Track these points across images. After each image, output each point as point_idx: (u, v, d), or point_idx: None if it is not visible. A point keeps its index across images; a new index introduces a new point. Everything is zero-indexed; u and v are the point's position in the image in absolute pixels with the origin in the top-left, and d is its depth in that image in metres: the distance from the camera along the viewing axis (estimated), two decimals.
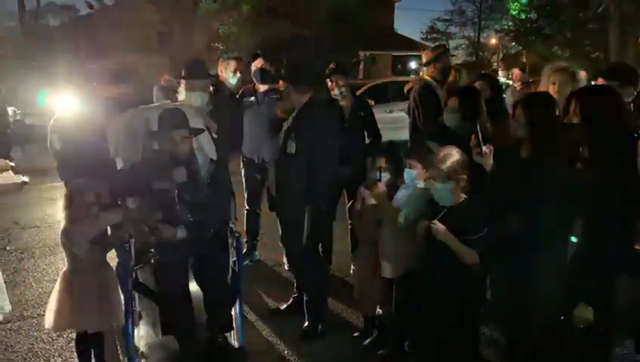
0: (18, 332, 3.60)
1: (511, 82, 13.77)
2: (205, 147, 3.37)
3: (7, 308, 3.70)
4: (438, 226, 2.73)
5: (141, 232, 2.96)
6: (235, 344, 3.07)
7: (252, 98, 4.74)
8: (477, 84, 4.71)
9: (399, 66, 28.23)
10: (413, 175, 3.11)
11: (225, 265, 3.10)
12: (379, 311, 3.47)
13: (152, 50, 17.03)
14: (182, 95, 3.72)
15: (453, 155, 2.80)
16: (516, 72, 7.73)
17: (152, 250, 2.98)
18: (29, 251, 5.30)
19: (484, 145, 2.92)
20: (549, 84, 3.80)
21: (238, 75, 4.68)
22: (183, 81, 3.84)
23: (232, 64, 4.62)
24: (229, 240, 3.14)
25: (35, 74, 13.92)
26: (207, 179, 3.22)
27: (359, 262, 3.64)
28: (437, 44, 6.79)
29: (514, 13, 29.06)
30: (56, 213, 3.38)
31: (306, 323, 3.59)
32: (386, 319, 3.41)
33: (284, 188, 3.47)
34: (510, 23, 31.23)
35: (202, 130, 3.27)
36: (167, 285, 2.95)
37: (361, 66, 24.36)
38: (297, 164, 3.34)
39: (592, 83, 4.43)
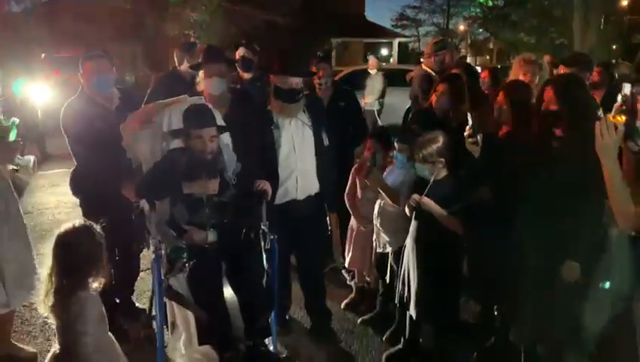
0: (31, 308, 3.71)
1: (479, 68, 14.28)
2: (230, 145, 3.23)
3: None
4: (424, 198, 3.04)
5: (169, 236, 2.87)
6: (272, 349, 2.98)
7: (238, 86, 4.88)
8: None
9: (369, 53, 28.51)
10: (401, 157, 3.38)
11: (260, 269, 2.97)
12: (367, 279, 3.92)
13: (125, 39, 16.79)
14: (201, 84, 3.55)
15: (436, 140, 3.08)
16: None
17: (184, 257, 2.78)
18: None
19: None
20: (519, 74, 4.11)
21: None
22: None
23: None
24: (262, 243, 3.02)
25: (7, 62, 13.62)
26: (233, 179, 3.04)
27: (356, 239, 3.88)
28: (439, 38, 6.96)
29: (481, 0, 29.58)
30: (49, 200, 3.50)
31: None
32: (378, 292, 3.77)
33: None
34: (478, 10, 31.76)
35: (226, 127, 3.11)
36: (202, 292, 2.76)
37: (334, 53, 24.50)
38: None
39: (554, 70, 4.74)
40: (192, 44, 5.11)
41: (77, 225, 2.28)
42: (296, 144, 3.32)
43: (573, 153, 2.69)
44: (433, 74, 5.43)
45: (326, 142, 3.42)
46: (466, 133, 3.99)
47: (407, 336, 3.35)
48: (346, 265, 4.01)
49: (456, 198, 3.03)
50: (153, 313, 3.29)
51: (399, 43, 29.66)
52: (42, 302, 2.23)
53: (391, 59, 28.79)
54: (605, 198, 2.56)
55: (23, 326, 3.61)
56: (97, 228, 2.33)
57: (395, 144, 3.49)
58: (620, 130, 2.11)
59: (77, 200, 3.60)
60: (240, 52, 4.83)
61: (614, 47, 27.03)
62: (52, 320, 2.25)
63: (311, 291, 3.67)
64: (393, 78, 10.25)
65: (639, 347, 2.25)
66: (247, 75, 4.81)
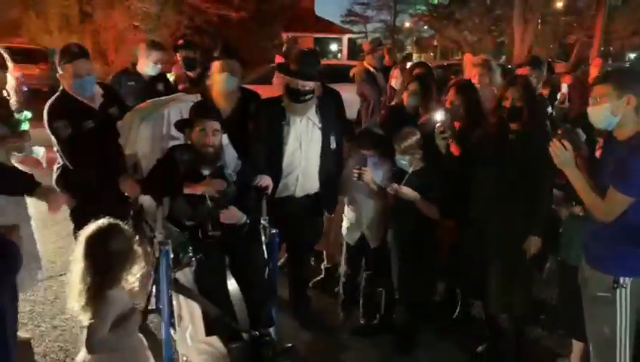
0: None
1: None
2: (230, 144, 3.25)
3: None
4: (403, 188, 3.34)
5: (173, 232, 2.94)
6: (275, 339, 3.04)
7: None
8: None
9: (317, 48, 28.82)
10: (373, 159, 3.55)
11: (261, 263, 3.06)
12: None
13: (71, 30, 16.30)
14: (215, 78, 3.44)
15: (413, 134, 3.38)
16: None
17: (190, 252, 2.86)
18: None
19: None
20: (472, 74, 4.48)
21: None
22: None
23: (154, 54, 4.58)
24: (262, 238, 3.12)
25: None
26: (234, 176, 3.08)
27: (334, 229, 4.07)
28: (375, 37, 7.53)
29: None
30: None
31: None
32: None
33: None
34: (424, 8, 32.67)
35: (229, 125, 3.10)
36: (208, 285, 2.84)
37: (284, 48, 24.61)
38: None
39: (517, 71, 5.15)
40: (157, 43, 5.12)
41: (104, 223, 2.30)
42: (303, 142, 3.45)
43: (527, 143, 3.06)
44: (372, 69, 6.24)
45: (333, 145, 3.55)
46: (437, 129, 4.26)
47: (382, 313, 3.67)
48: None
49: (432, 187, 3.35)
50: (151, 306, 3.42)
51: (349, 39, 30.08)
52: (75, 300, 2.24)
53: (339, 55, 29.21)
54: (553, 181, 2.98)
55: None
56: (125, 225, 2.36)
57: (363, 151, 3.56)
58: (569, 145, 2.42)
59: None
60: (181, 54, 4.98)
61: (551, 46, 28.52)
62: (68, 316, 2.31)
63: (296, 284, 3.84)
64: (342, 74, 10.53)
65: (585, 311, 2.61)
66: (192, 73, 4.97)
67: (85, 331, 2.23)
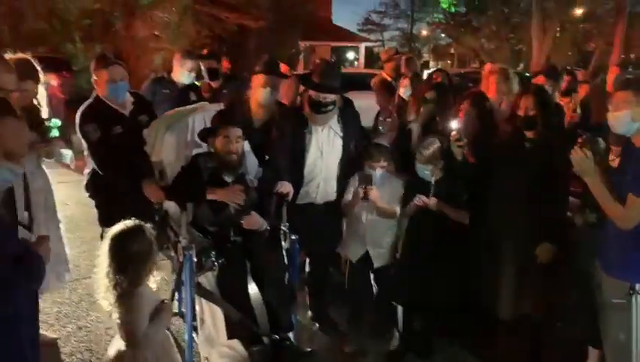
0: (43, 298, 3.67)
1: None
2: (251, 152, 3.33)
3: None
4: (431, 200, 3.32)
5: (197, 237, 3.04)
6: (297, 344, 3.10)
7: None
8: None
9: (334, 56, 28.99)
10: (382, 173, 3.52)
11: (282, 268, 3.13)
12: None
13: (94, 39, 16.62)
14: (255, 91, 3.59)
15: (435, 143, 3.38)
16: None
17: (213, 256, 2.94)
18: None
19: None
20: (489, 83, 4.52)
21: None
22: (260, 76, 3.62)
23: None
24: (282, 244, 3.20)
25: None
26: (255, 182, 3.18)
27: None
28: (390, 47, 7.62)
29: (444, 6, 30.34)
30: (84, 193, 3.73)
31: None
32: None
33: None
34: (441, 16, 32.58)
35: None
36: (229, 289, 2.92)
37: (301, 57, 24.78)
38: None
39: (532, 80, 5.19)
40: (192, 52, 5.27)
41: (129, 225, 2.41)
42: (324, 151, 3.54)
43: (543, 152, 3.11)
44: (389, 79, 6.19)
45: (354, 153, 3.61)
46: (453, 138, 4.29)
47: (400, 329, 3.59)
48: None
49: (458, 192, 3.37)
50: (175, 310, 3.45)
51: (366, 47, 30.20)
52: (103, 298, 2.36)
53: (356, 63, 29.32)
54: (568, 189, 3.02)
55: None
56: (148, 226, 2.46)
57: (373, 163, 3.49)
58: (589, 153, 2.46)
59: None
60: (205, 64, 5.09)
61: (569, 53, 28.28)
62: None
63: (315, 290, 3.91)
64: (359, 82, 10.63)
65: (600, 318, 2.64)
66: (214, 84, 5.09)
67: (120, 329, 2.35)
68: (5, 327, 1.98)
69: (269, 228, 3.15)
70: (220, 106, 3.46)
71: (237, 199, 3.01)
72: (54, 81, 9.70)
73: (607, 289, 2.54)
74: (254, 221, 3.08)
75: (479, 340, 3.61)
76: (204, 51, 5.51)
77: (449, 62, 37.09)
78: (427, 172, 3.38)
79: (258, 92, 3.57)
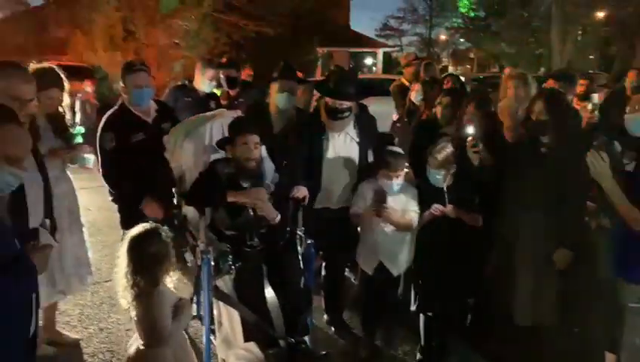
0: (66, 300, 3.85)
1: (463, 78, 14.75)
2: (267, 157, 3.38)
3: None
4: (447, 207, 3.31)
5: (215, 241, 3.07)
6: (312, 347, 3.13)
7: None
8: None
9: (352, 63, 29.04)
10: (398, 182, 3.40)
11: (297, 272, 3.17)
12: None
13: (115, 48, 16.95)
14: (272, 97, 3.72)
15: (447, 148, 3.37)
16: None
17: (230, 260, 3.02)
18: None
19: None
20: (507, 87, 4.53)
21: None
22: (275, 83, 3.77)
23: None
24: (298, 248, 3.25)
25: None
26: (272, 187, 3.22)
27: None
28: (409, 52, 7.59)
29: (463, 10, 30.25)
30: (107, 198, 3.84)
31: None
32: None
33: None
34: (460, 21, 32.44)
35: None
36: (246, 293, 2.97)
37: (319, 63, 24.88)
38: None
39: (543, 85, 5.15)
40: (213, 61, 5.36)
41: (147, 227, 2.50)
42: (340, 156, 3.58)
43: (558, 156, 3.11)
44: (407, 84, 6.18)
45: (370, 158, 3.66)
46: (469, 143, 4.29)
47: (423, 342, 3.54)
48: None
49: (470, 196, 3.37)
50: (194, 313, 3.53)
51: (384, 53, 30.20)
52: (122, 297, 2.45)
53: (374, 69, 29.32)
54: (586, 193, 3.01)
55: (61, 316, 3.86)
56: (165, 228, 2.55)
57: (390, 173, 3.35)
58: (605, 156, 2.46)
59: None
60: (225, 72, 5.16)
61: (591, 57, 27.91)
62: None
63: (331, 293, 3.94)
64: (376, 87, 10.67)
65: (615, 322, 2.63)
66: (232, 92, 5.17)
67: (138, 328, 2.43)
68: None
69: (287, 234, 3.21)
70: (238, 113, 3.54)
71: (260, 199, 3.07)
72: (90, 87, 9.91)
73: (622, 293, 2.53)
74: (268, 210, 3.10)
75: (495, 345, 3.61)
76: (224, 60, 5.60)
77: (468, 66, 36.79)
78: (439, 177, 3.36)
79: (275, 97, 3.68)
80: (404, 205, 3.41)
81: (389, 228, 3.42)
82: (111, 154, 3.57)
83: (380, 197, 3.33)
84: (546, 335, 3.31)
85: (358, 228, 3.78)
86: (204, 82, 4.78)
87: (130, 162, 3.52)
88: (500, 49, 28.81)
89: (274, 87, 3.68)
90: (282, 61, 4.01)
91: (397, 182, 3.38)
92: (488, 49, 29.98)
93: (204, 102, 4.67)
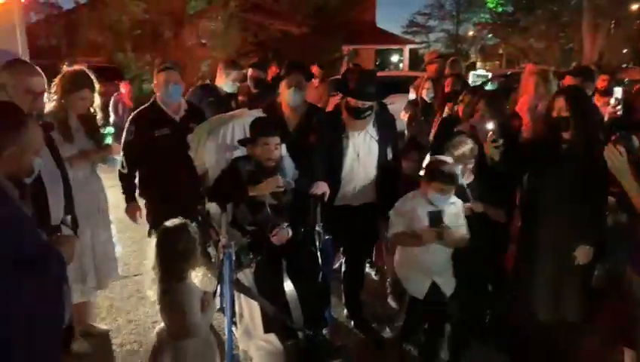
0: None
1: (490, 74, 14.54)
2: (287, 155, 3.46)
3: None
4: (473, 203, 3.31)
5: (236, 236, 3.17)
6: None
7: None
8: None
9: (378, 60, 28.97)
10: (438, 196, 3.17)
11: (315, 267, 3.25)
12: None
13: (144, 49, 17.31)
14: (282, 94, 3.82)
15: (466, 143, 3.36)
16: None
17: (251, 254, 3.13)
18: None
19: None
20: (528, 84, 4.52)
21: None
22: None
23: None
24: (317, 243, 3.31)
25: None
26: (292, 184, 3.29)
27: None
28: (434, 49, 7.61)
29: (491, 6, 29.80)
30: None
31: None
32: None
33: None
34: (488, 16, 31.99)
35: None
36: (266, 286, 3.07)
37: (345, 60, 24.89)
38: None
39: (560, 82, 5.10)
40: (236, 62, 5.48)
41: (175, 223, 2.60)
42: (360, 155, 3.63)
43: (579, 153, 3.11)
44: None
45: (390, 156, 3.71)
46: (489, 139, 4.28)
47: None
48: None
49: (492, 191, 3.35)
50: (217, 306, 3.58)
51: (410, 49, 30.02)
52: (149, 289, 2.57)
53: (401, 66, 29.18)
54: (607, 189, 3.00)
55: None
56: (193, 224, 2.64)
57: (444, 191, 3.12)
58: (623, 151, 2.46)
59: None
60: (251, 72, 5.30)
61: (624, 51, 27.23)
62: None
63: (351, 289, 3.99)
64: (402, 84, 10.63)
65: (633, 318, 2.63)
66: (254, 90, 5.27)
67: (163, 319, 2.54)
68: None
69: (302, 229, 3.28)
70: (259, 112, 3.62)
71: (277, 184, 3.17)
72: (124, 88, 10.21)
73: (637, 289, 2.54)
74: (282, 236, 3.20)
75: (516, 342, 3.63)
76: (256, 59, 5.68)
77: (497, 62, 36.34)
78: (458, 172, 3.33)
79: (285, 94, 3.77)
80: (454, 220, 3.21)
81: (438, 246, 3.20)
82: (125, 146, 3.77)
83: (437, 220, 3.12)
84: (567, 331, 3.31)
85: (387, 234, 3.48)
86: (227, 83, 4.89)
87: (149, 157, 3.71)
88: (529, 44, 28.32)
89: (283, 84, 3.77)
90: (291, 60, 4.12)
91: (451, 195, 3.19)
92: (517, 44, 29.50)
93: (226, 102, 4.79)
